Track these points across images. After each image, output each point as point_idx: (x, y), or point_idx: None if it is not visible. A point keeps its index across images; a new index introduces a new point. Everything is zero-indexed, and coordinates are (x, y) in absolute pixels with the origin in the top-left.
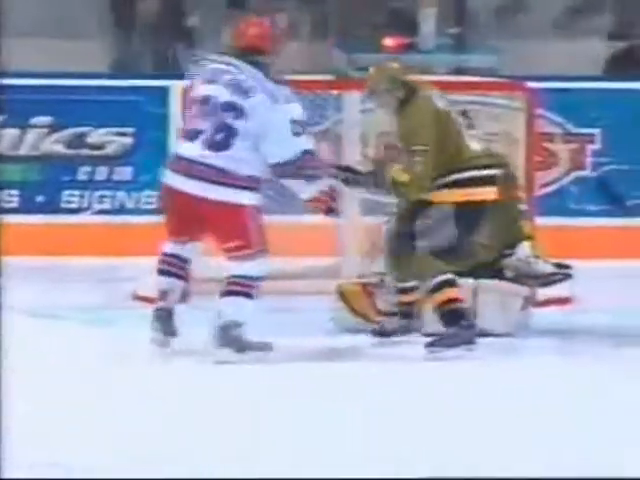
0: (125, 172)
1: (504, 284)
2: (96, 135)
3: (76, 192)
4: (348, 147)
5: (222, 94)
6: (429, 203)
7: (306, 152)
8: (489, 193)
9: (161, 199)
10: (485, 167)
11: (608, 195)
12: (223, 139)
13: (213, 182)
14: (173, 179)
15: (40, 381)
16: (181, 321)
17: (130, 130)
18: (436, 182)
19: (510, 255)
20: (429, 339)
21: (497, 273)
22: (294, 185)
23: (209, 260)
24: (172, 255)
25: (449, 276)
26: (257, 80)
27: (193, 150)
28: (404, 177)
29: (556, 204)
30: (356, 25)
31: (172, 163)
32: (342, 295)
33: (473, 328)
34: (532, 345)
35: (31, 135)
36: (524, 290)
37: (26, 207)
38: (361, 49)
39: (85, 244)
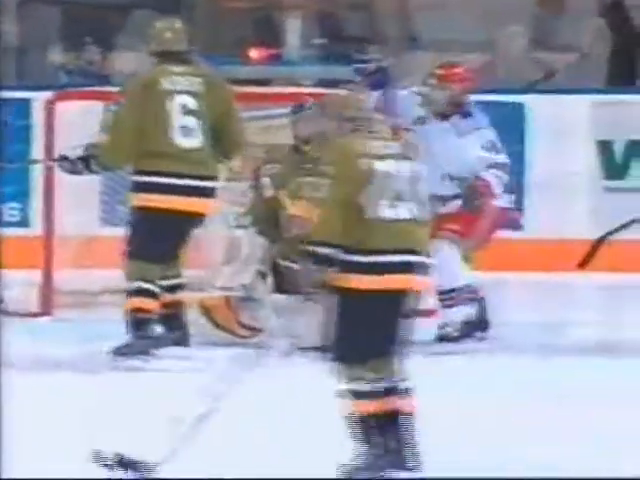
0: None
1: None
2: None
3: None
4: None
5: None
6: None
7: None
8: (192, 205)
9: None
10: (182, 176)
11: None
12: None
13: None
14: None
15: None
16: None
17: None
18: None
19: None
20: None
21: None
22: None
23: (76, 272)
24: None
25: (145, 285)
26: None
27: None
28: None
29: None
30: (221, 36)
31: None
32: (205, 309)
33: (150, 339)
34: None
35: None
36: None
37: None
38: (226, 61)
39: None
